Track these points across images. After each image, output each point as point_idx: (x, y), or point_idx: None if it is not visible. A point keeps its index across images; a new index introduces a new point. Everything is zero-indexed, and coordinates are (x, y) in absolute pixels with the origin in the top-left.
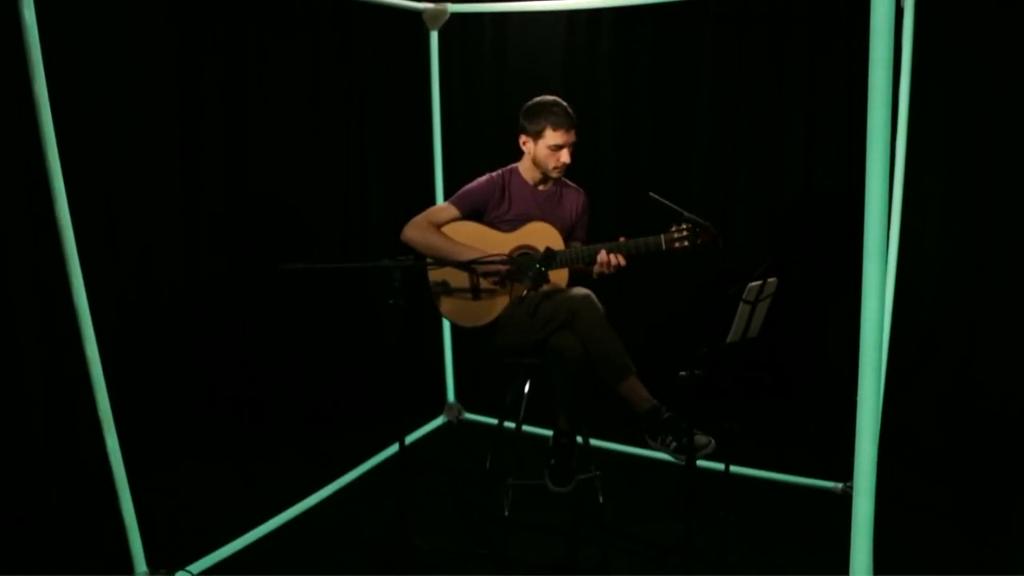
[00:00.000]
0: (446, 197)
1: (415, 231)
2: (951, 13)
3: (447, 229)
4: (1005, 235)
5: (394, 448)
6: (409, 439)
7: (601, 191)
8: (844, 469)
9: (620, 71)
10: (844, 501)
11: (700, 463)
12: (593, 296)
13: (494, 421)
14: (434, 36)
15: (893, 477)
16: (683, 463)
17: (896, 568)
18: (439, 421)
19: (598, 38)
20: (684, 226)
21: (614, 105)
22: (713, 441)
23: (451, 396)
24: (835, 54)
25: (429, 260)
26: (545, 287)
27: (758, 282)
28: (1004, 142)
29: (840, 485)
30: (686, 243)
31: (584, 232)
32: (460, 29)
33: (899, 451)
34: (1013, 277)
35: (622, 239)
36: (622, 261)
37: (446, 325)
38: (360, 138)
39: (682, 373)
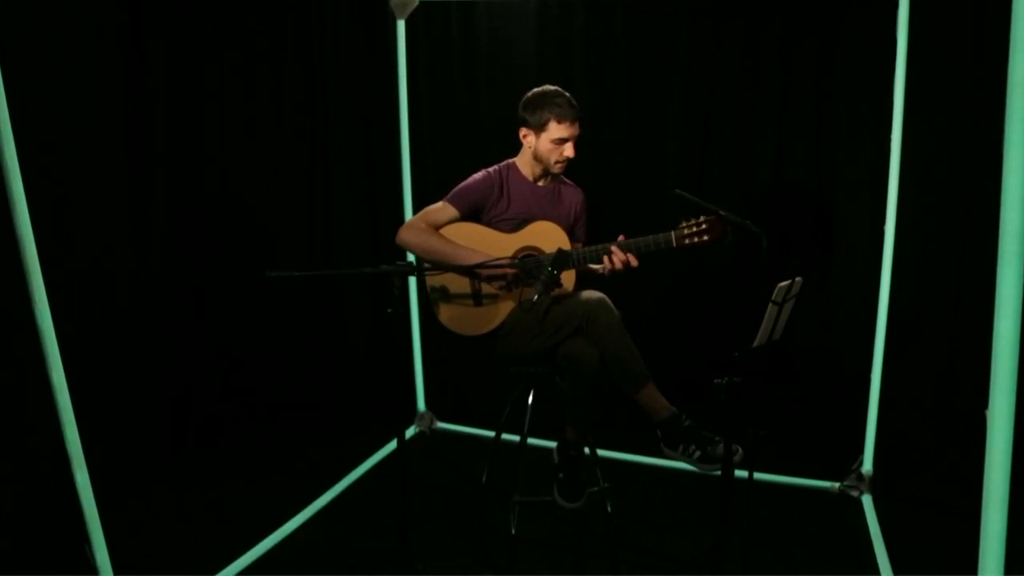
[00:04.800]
0: (414, 194)
1: (412, 234)
2: (944, 7)
3: (445, 231)
4: (988, 230)
5: (370, 464)
6: (382, 452)
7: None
8: (837, 468)
9: (593, 62)
10: (843, 501)
11: (704, 472)
12: (608, 300)
13: (468, 430)
14: (401, 25)
15: (890, 476)
16: (708, 473)
17: (907, 568)
18: (411, 432)
19: (570, 29)
20: (693, 221)
21: (587, 97)
22: (741, 449)
23: (422, 405)
24: (806, 48)
25: (427, 265)
26: (556, 291)
27: (787, 282)
28: (991, 136)
29: (836, 485)
30: (696, 240)
31: (584, 232)
32: (426, 19)
33: (895, 449)
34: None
35: (621, 238)
36: (633, 261)
37: (416, 331)
38: (323, 134)
39: (717, 380)
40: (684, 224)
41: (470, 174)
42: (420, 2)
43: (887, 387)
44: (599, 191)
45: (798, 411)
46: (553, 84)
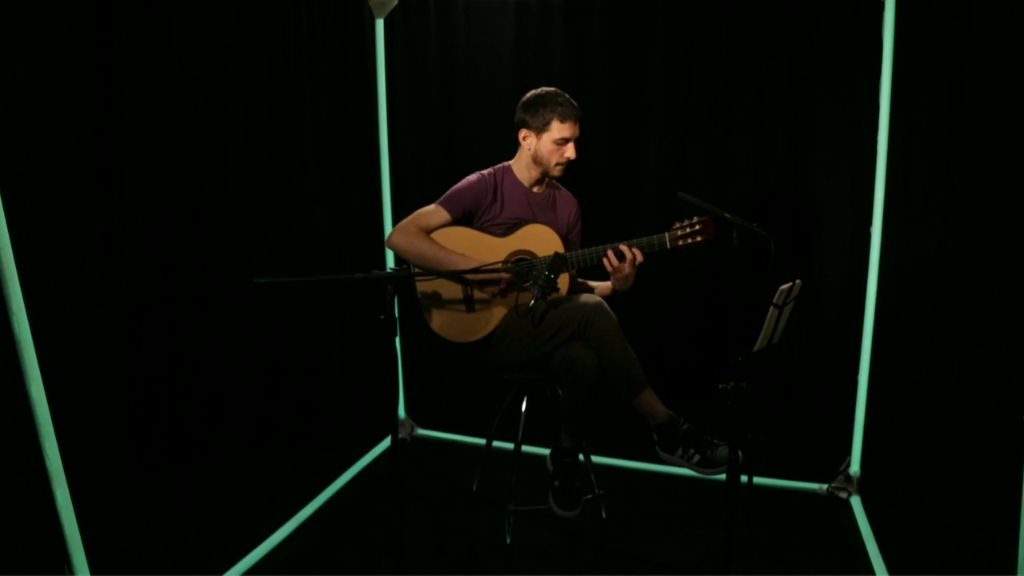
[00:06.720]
0: (393, 198)
1: (403, 237)
2: (928, 9)
3: (436, 236)
4: (969, 231)
5: (351, 473)
6: (364, 461)
7: None
8: (825, 471)
9: (571, 63)
10: (832, 503)
11: (704, 476)
12: (605, 304)
13: (450, 436)
14: (380, 24)
15: (878, 477)
16: (707, 477)
17: (902, 569)
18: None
19: (548, 30)
20: (687, 222)
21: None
22: (741, 453)
23: (402, 412)
24: (784, 48)
25: (417, 270)
26: (552, 295)
27: (787, 284)
28: (972, 134)
29: (825, 487)
30: (690, 240)
31: (579, 241)
32: (404, 18)
33: (882, 450)
34: (977, 273)
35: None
36: (624, 266)
37: (396, 337)
38: (299, 134)
39: (722, 385)
40: (677, 225)
41: (451, 174)
42: (399, 1)
43: (874, 388)
44: (577, 193)
45: (784, 413)
46: (533, 85)
